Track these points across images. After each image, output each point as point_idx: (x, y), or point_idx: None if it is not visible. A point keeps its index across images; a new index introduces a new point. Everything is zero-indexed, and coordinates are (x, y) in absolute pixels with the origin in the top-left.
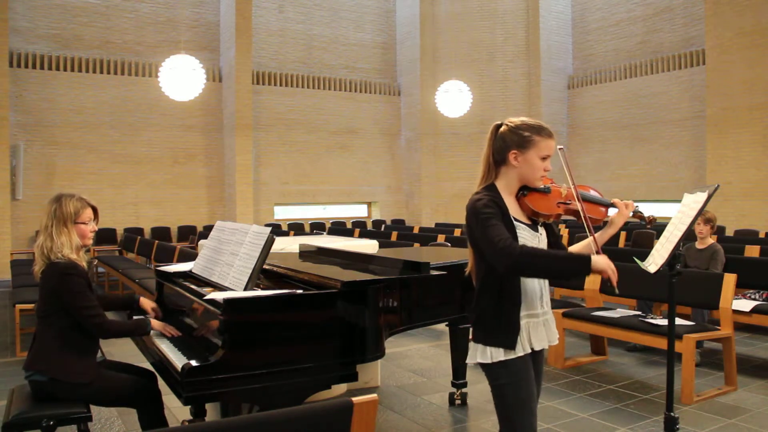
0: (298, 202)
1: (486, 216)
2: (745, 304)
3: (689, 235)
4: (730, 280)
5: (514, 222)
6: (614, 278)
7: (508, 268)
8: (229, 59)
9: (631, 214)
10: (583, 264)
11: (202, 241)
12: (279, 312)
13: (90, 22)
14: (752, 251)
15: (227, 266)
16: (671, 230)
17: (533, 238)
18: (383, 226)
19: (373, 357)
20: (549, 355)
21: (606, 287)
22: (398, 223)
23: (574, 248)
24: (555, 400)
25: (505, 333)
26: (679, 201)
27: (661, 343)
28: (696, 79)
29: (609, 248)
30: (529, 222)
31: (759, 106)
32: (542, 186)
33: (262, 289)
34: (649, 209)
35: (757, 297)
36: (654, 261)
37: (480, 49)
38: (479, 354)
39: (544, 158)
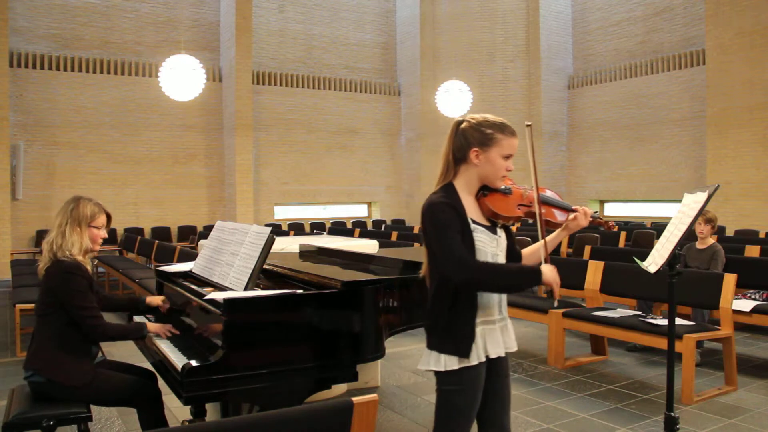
0: (298, 202)
1: (443, 225)
2: (745, 304)
3: (689, 235)
4: (730, 280)
5: (472, 224)
6: (557, 290)
7: (462, 282)
8: (229, 59)
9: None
10: (534, 277)
11: (202, 241)
12: (279, 312)
13: (90, 22)
14: (752, 251)
15: (227, 266)
16: (671, 230)
17: (491, 241)
18: (383, 226)
19: (373, 357)
20: (549, 355)
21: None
22: (398, 223)
23: (525, 251)
24: (555, 400)
25: (460, 341)
26: (679, 201)
27: (661, 343)
28: (696, 79)
29: (608, 249)
30: (488, 224)
31: (759, 106)
32: (503, 187)
33: (262, 289)
34: (648, 209)
35: (757, 297)
36: (654, 261)
37: (480, 49)
38: (432, 361)
39: (506, 157)
